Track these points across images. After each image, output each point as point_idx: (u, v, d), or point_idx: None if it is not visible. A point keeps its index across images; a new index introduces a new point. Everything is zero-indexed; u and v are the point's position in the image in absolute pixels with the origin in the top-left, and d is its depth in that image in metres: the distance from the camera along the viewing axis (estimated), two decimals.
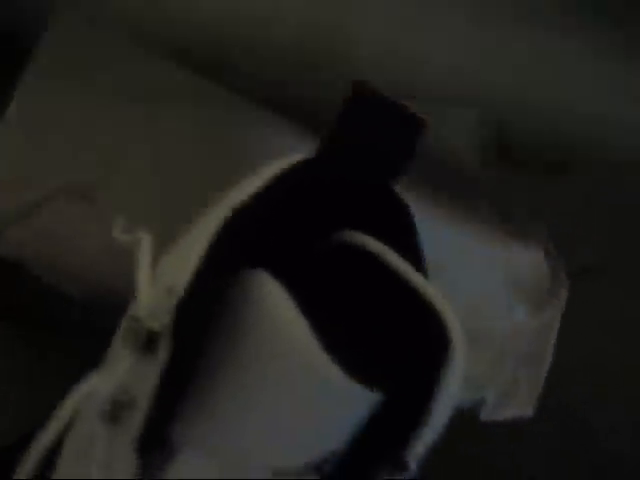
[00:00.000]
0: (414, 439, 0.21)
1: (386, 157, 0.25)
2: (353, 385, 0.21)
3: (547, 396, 0.45)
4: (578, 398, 0.49)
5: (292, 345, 0.21)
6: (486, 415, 0.44)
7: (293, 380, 0.21)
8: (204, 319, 0.21)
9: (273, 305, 0.21)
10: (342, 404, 0.21)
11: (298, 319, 0.21)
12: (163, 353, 0.20)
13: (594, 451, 0.47)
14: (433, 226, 0.31)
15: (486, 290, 0.42)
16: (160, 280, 0.21)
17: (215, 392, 0.21)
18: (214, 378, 0.21)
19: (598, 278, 0.45)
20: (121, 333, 0.22)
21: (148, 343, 0.21)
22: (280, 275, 0.22)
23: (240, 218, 0.22)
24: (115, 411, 0.21)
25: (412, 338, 0.22)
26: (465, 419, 0.44)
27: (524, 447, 0.47)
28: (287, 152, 0.24)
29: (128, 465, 0.21)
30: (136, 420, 0.21)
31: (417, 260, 0.24)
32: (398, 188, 0.25)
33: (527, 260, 0.37)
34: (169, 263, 0.22)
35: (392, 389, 0.22)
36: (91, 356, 0.23)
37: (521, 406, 0.45)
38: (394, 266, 0.23)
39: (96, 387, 0.21)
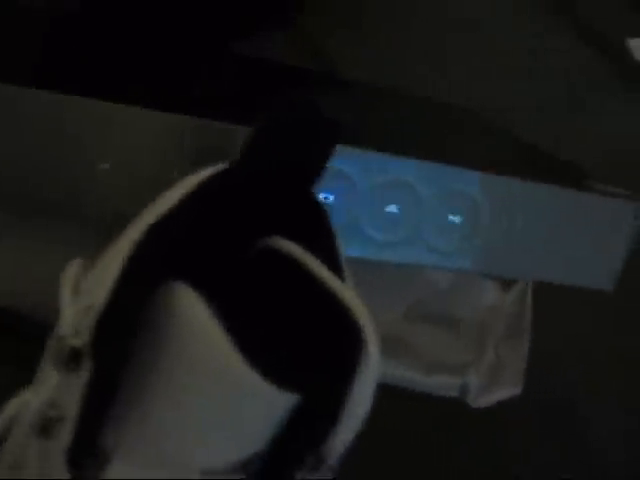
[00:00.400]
0: (332, 437, 0.22)
1: (303, 162, 0.26)
2: (271, 388, 0.22)
3: (537, 394, 0.45)
4: (569, 391, 0.49)
5: (211, 353, 0.22)
6: (473, 400, 0.45)
7: (214, 386, 0.22)
8: (125, 334, 0.21)
9: (193, 316, 0.22)
10: (261, 406, 0.22)
11: (216, 329, 0.22)
12: (89, 369, 0.21)
13: (584, 445, 0.47)
14: None
15: (455, 275, 0.43)
16: (82, 298, 0.22)
17: (142, 400, 0.22)
18: (140, 386, 0.22)
19: None
20: (49, 353, 0.22)
21: (72, 360, 0.22)
22: (202, 285, 0.23)
23: (159, 232, 0.23)
24: (46, 425, 0.22)
25: (329, 340, 0.23)
26: (454, 417, 0.45)
27: (511, 446, 0.47)
28: None
29: (61, 477, 0.21)
30: (66, 433, 0.22)
31: (335, 263, 0.25)
32: (316, 192, 0.26)
33: None
34: (90, 281, 0.23)
35: (310, 390, 0.23)
36: None
37: (508, 386, 0.46)
38: (312, 270, 0.24)
39: (27, 403, 0.22)
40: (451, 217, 0.33)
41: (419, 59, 0.61)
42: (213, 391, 0.22)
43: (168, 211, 0.23)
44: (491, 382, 0.44)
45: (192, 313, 0.22)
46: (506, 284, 0.46)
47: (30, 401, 0.22)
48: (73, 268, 0.24)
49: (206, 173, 0.24)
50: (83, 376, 0.21)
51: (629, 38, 0.69)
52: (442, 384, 0.43)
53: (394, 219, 0.32)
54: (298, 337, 0.24)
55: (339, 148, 0.26)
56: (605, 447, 0.47)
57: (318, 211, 0.26)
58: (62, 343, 0.22)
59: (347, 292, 0.23)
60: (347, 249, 0.26)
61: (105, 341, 0.21)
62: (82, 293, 0.23)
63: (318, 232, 0.25)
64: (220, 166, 0.25)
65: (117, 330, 0.21)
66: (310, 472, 0.23)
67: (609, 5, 0.72)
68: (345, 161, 0.31)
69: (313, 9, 0.57)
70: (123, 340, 0.21)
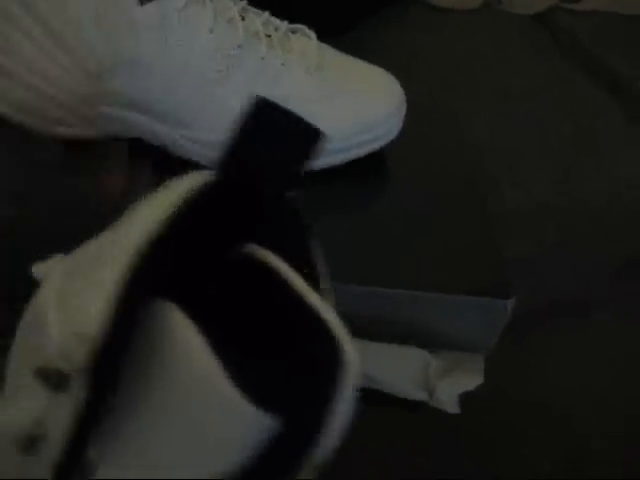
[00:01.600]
0: (314, 450, 0.23)
1: (283, 169, 0.26)
2: (257, 412, 0.23)
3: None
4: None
5: (198, 375, 0.22)
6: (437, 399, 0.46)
7: (200, 407, 0.23)
8: (117, 361, 0.22)
9: (180, 337, 0.22)
10: (246, 427, 0.23)
11: (204, 351, 0.22)
12: (79, 392, 0.21)
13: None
14: None
15: None
16: (69, 318, 0.22)
17: (127, 417, 0.23)
18: (127, 403, 0.23)
19: None
20: (31, 369, 0.22)
21: (60, 382, 0.22)
22: (187, 298, 0.23)
23: (149, 255, 0.22)
24: (29, 443, 0.22)
25: (308, 358, 0.24)
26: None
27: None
28: None
29: None
30: (52, 451, 0.22)
31: (313, 274, 0.25)
32: (296, 200, 0.26)
33: None
34: (74, 297, 0.22)
35: (290, 408, 0.24)
36: None
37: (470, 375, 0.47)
38: (291, 284, 0.24)
39: (8, 419, 0.22)
40: None
41: None
42: (199, 411, 0.23)
43: (157, 231, 0.22)
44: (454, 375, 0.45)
45: (180, 334, 0.22)
46: None
47: (12, 418, 0.22)
48: (56, 274, 0.23)
49: (187, 185, 0.24)
50: (72, 396, 0.21)
51: None
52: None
53: None
54: (278, 354, 0.25)
55: None
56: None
57: (295, 220, 0.26)
58: (49, 363, 0.22)
59: (326, 310, 0.24)
60: None
61: (98, 369, 0.21)
62: (67, 309, 0.22)
63: (298, 243, 0.26)
64: (202, 176, 0.24)
65: (110, 359, 0.21)
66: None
67: (623, 47, 0.73)
68: None
69: None
70: (116, 367, 0.21)
